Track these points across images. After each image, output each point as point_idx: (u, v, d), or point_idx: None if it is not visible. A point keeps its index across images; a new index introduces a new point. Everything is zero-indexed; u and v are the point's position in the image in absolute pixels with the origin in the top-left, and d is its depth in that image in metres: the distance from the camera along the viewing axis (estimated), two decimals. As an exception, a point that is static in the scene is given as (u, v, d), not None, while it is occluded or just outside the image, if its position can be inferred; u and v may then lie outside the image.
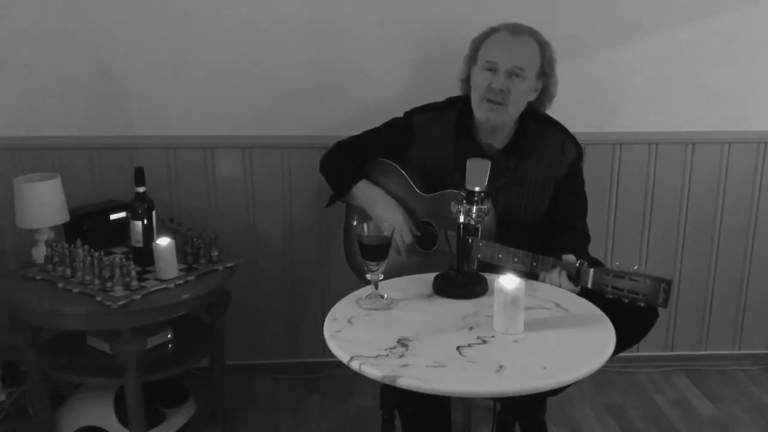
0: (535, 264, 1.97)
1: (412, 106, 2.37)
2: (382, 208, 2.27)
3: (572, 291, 1.91)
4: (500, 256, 2.01)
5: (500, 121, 2.18)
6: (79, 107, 2.70)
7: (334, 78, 2.72)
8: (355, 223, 2.45)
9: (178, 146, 2.76)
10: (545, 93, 2.23)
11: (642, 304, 1.79)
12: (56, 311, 2.20)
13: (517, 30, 2.18)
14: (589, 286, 1.87)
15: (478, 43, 2.22)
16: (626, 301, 1.80)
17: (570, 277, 1.90)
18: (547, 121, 2.26)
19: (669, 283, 1.75)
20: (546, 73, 2.19)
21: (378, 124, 2.42)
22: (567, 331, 1.73)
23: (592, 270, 1.86)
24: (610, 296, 1.82)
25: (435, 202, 2.24)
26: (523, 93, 2.16)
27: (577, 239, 2.17)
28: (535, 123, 2.23)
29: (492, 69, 2.14)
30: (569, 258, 1.92)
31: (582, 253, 1.98)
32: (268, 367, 2.99)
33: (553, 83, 2.23)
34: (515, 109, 2.18)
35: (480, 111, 2.18)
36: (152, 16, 2.63)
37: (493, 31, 2.21)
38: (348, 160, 2.38)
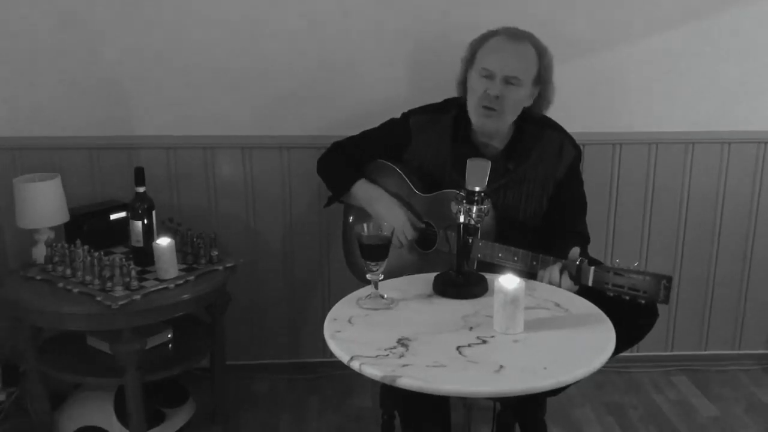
0: (535, 263, 1.97)
1: (412, 106, 2.38)
2: (383, 207, 2.27)
3: (571, 290, 1.91)
4: (500, 255, 2.02)
5: (495, 127, 2.19)
6: (79, 107, 2.70)
7: (333, 78, 2.72)
8: (351, 220, 2.44)
9: (178, 146, 2.76)
10: (542, 98, 2.22)
11: (643, 301, 1.79)
12: (56, 311, 2.21)
13: (515, 35, 2.16)
14: (590, 284, 1.87)
15: (475, 47, 2.20)
16: (627, 298, 1.80)
17: (571, 276, 1.90)
18: (545, 123, 2.26)
19: (669, 279, 1.75)
20: (543, 80, 2.18)
21: (378, 124, 2.42)
22: (567, 331, 1.73)
23: (592, 268, 1.87)
24: (611, 294, 1.82)
25: (434, 202, 2.24)
26: (518, 100, 2.16)
27: (577, 240, 2.17)
28: (533, 124, 2.23)
29: (488, 76, 2.13)
30: (573, 254, 1.92)
31: (581, 253, 1.98)
32: (268, 367, 2.99)
33: (551, 90, 2.22)
34: (510, 115, 2.18)
35: (476, 117, 2.18)
36: (152, 16, 2.63)
37: (491, 35, 2.19)
38: (346, 161, 2.38)
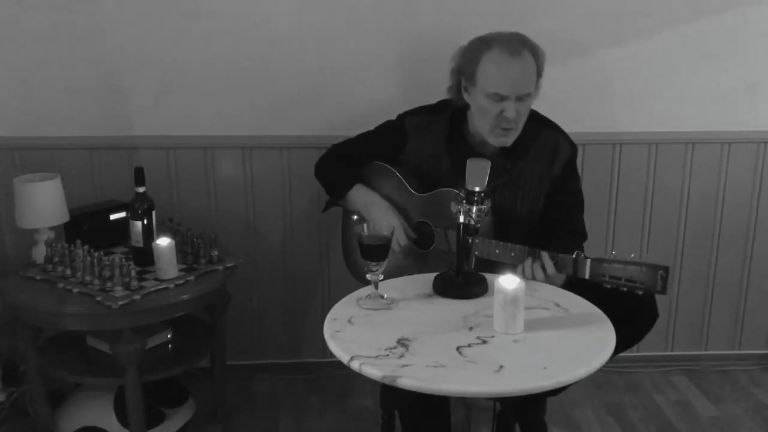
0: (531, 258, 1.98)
1: (412, 107, 2.37)
2: (378, 212, 2.27)
3: (558, 279, 1.92)
4: (497, 251, 2.02)
5: (512, 141, 2.16)
6: (79, 107, 2.70)
7: (333, 79, 2.72)
8: (354, 219, 2.44)
9: (178, 146, 2.76)
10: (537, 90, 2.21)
11: (641, 292, 1.79)
12: (56, 311, 2.20)
13: (513, 48, 2.07)
14: (587, 276, 1.87)
15: (472, 63, 2.11)
16: (625, 290, 1.80)
17: (557, 265, 1.91)
18: (541, 121, 2.26)
19: (666, 269, 1.75)
20: (539, 75, 2.17)
21: (377, 124, 2.41)
22: (567, 331, 1.73)
23: (589, 260, 1.87)
24: (609, 286, 1.83)
25: (431, 201, 2.24)
26: (529, 108, 2.15)
27: (575, 237, 2.18)
28: (530, 123, 2.22)
29: (501, 100, 2.09)
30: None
31: (578, 249, 1.97)
32: (268, 367, 2.99)
33: (541, 79, 2.19)
34: (523, 124, 2.16)
35: (494, 138, 2.14)
36: (152, 16, 2.63)
37: (485, 47, 2.10)
38: (342, 165, 2.38)
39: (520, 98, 2.09)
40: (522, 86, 2.08)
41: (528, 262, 1.96)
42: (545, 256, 1.94)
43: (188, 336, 2.54)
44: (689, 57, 2.77)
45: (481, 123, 2.15)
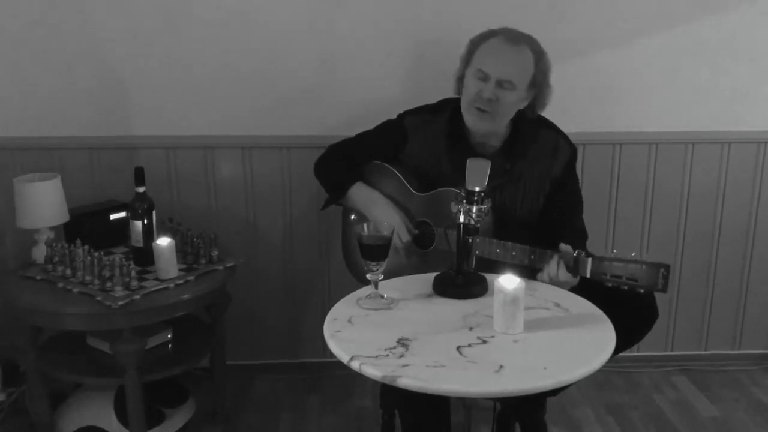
0: (533, 257, 1.98)
1: (412, 107, 2.38)
2: (378, 210, 2.28)
3: (570, 282, 1.91)
4: (498, 251, 2.02)
5: (486, 129, 2.18)
6: (79, 107, 2.70)
7: (333, 78, 2.72)
8: (352, 218, 2.45)
9: (178, 146, 2.76)
10: (537, 101, 2.21)
11: (642, 290, 1.79)
12: (56, 311, 2.20)
13: (514, 38, 2.14)
14: (588, 275, 1.87)
15: (474, 46, 2.19)
16: (626, 288, 1.80)
17: (568, 268, 1.90)
18: (541, 122, 2.26)
19: (667, 267, 1.76)
20: (538, 83, 2.17)
21: (377, 124, 2.41)
22: (567, 331, 1.73)
23: (590, 259, 1.87)
24: (610, 284, 1.83)
25: (431, 200, 2.25)
26: (511, 103, 2.16)
27: (576, 236, 2.18)
28: (529, 124, 2.23)
29: (483, 78, 2.12)
30: (566, 248, 1.92)
31: (580, 248, 1.98)
32: (268, 367, 2.99)
33: (547, 93, 2.20)
34: (502, 118, 2.17)
35: (468, 116, 2.18)
36: (152, 16, 2.63)
37: (491, 34, 2.18)
38: (342, 163, 2.39)
39: (500, 83, 2.11)
40: (506, 71, 2.11)
41: (552, 263, 1.94)
42: (552, 262, 1.94)
43: (188, 336, 2.54)
44: (689, 57, 2.77)
45: (463, 101, 2.19)
